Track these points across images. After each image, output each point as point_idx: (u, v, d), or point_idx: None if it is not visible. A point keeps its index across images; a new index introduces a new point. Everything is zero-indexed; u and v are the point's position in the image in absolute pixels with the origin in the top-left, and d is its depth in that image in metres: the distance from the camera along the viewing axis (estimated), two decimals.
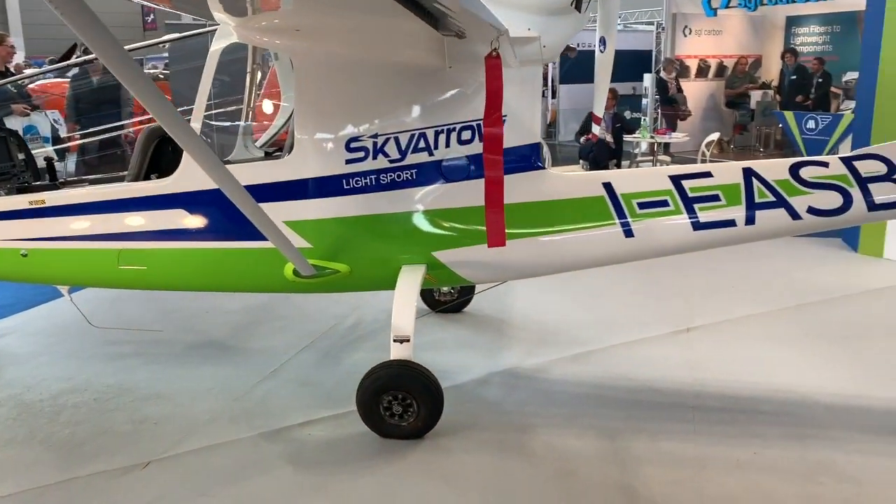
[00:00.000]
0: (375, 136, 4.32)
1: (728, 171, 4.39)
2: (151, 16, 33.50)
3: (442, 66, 4.23)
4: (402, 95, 4.36)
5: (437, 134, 4.38)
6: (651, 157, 11.41)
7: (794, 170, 4.33)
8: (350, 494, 3.48)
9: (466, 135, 4.41)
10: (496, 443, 3.92)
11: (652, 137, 10.68)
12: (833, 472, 3.59)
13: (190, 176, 4.39)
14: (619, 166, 11.32)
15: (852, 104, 14.81)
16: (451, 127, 4.39)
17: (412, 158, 4.38)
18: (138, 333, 5.47)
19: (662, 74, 15.09)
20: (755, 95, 16.02)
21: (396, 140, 4.34)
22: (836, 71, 14.95)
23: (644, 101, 16.18)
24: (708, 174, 4.41)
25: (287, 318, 5.86)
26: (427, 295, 5.96)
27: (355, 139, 4.32)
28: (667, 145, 11.92)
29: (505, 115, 4.36)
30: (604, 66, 5.60)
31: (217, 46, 4.41)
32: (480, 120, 4.35)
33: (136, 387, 4.65)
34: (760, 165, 4.38)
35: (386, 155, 4.34)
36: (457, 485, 3.53)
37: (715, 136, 10.98)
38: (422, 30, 4.08)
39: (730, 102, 16.49)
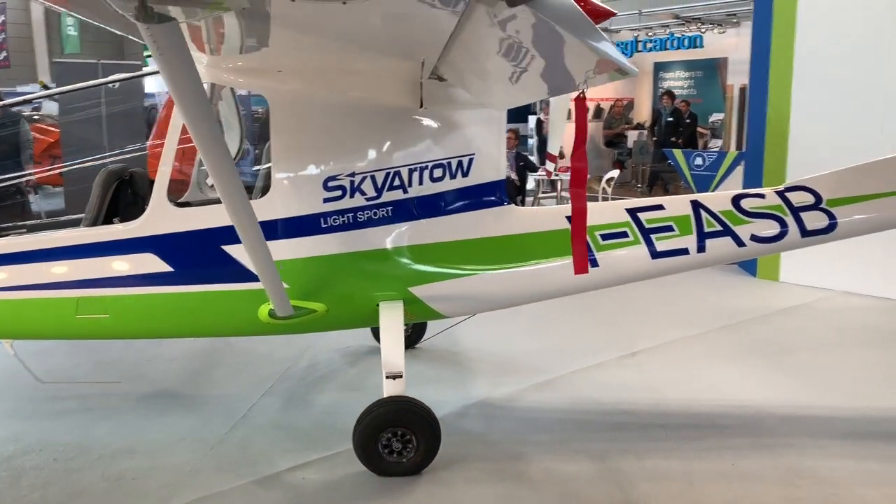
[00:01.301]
0: (353, 174, 4.36)
1: (678, 204, 4.73)
2: (4, 53, 31.46)
3: (415, 107, 4.34)
4: (378, 134, 4.43)
5: (410, 172, 4.47)
6: (554, 195, 11.91)
7: (736, 201, 4.74)
8: None
9: (438, 172, 4.53)
10: (494, 472, 3.99)
11: (556, 175, 11.19)
12: (808, 475, 3.91)
13: (160, 219, 4.25)
14: (523, 203, 11.74)
15: (719, 142, 16.25)
16: (424, 165, 4.49)
17: (387, 196, 4.44)
18: (81, 387, 5.14)
19: (541, 116, 15.84)
20: (632, 135, 17.14)
21: (373, 178, 4.40)
22: (700, 112, 16.31)
23: (530, 141, 16.90)
24: (661, 207, 4.74)
25: (237, 363, 5.68)
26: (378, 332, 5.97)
27: (333, 178, 4.34)
28: (553, 182, 12.43)
29: (473, 154, 4.57)
30: (558, 107, 5.90)
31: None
32: (451, 158, 4.53)
33: (97, 443, 4.36)
34: (706, 198, 4.76)
35: (363, 193, 4.39)
36: None
37: (614, 173, 11.65)
38: (400, 71, 4.22)
39: (608, 142, 17.56)
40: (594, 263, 4.61)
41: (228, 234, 4.26)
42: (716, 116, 16.29)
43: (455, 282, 4.55)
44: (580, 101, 2.89)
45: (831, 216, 4.63)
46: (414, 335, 5.99)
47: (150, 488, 3.85)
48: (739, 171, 9.69)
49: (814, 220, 4.65)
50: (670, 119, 15.20)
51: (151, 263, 4.28)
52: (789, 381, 5.23)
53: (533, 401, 4.96)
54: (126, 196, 4.64)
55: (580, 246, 3.55)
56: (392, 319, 4.32)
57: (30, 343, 4.86)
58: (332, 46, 3.89)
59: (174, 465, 4.09)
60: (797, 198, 4.70)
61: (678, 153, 10.57)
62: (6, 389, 5.18)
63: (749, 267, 8.52)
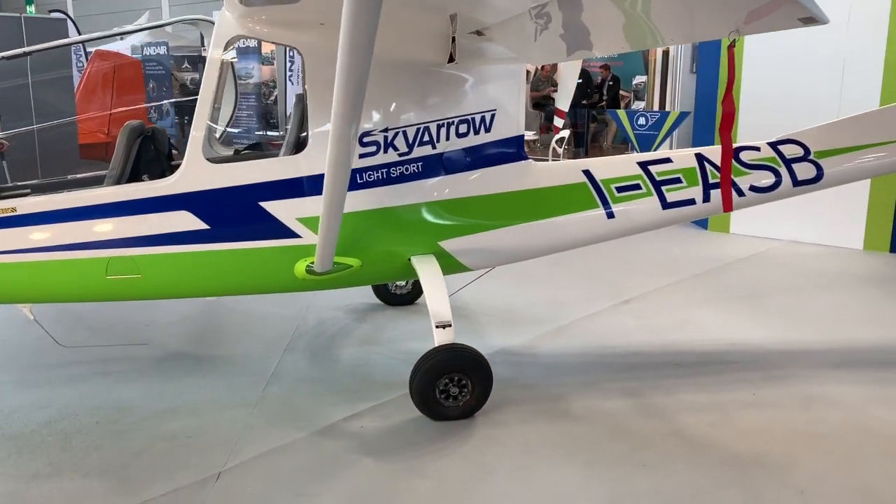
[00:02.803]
0: (386, 130, 4.41)
1: (684, 157, 5.02)
2: None
3: (443, 62, 4.40)
4: (410, 90, 4.48)
5: (438, 127, 4.56)
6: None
7: (735, 153, 5.06)
8: (448, 471, 3.58)
9: (463, 128, 4.63)
10: (542, 412, 4.20)
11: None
12: (821, 400, 4.32)
13: (195, 175, 4.18)
14: None
15: (641, 104, 16.88)
16: (451, 121, 4.58)
17: (418, 151, 4.52)
18: (89, 352, 5.00)
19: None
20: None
21: (405, 134, 4.46)
22: (623, 75, 16.89)
23: None
24: (669, 160, 5.01)
25: (241, 324, 5.64)
26: (381, 289, 6.06)
27: (368, 133, 4.37)
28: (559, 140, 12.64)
29: (495, 109, 4.70)
30: (570, 66, 6.05)
31: (217, 53, 4.18)
32: (475, 113, 4.64)
33: (133, 406, 4.29)
34: (709, 151, 5.06)
35: (395, 149, 4.45)
36: (538, 451, 3.77)
37: (566, 133, 11.94)
38: (431, 26, 4.27)
39: (535, 104, 17.92)
40: (610, 216, 4.86)
41: (266, 190, 4.27)
42: (639, 79, 16.88)
43: (481, 235, 4.69)
44: (732, 50, 3.06)
45: (818, 167, 5.02)
46: (413, 293, 6.10)
47: (211, 444, 3.84)
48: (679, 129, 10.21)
49: (804, 170, 5.02)
50: (580, 80, 15.70)
51: (186, 221, 4.21)
52: (772, 321, 5.68)
53: (550, 347, 5.19)
54: (149, 153, 4.51)
55: (727, 185, 3.74)
56: (430, 271, 4.42)
57: (9, 309, 4.67)
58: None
59: (225, 422, 4.08)
60: (788, 150, 5.06)
61: (622, 114, 10.97)
62: (11, 357, 4.96)
63: (701, 221, 9.02)
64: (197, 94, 4.21)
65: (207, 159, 4.19)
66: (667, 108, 15.27)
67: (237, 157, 4.83)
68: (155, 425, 4.06)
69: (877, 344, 5.21)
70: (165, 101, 13.48)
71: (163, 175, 4.51)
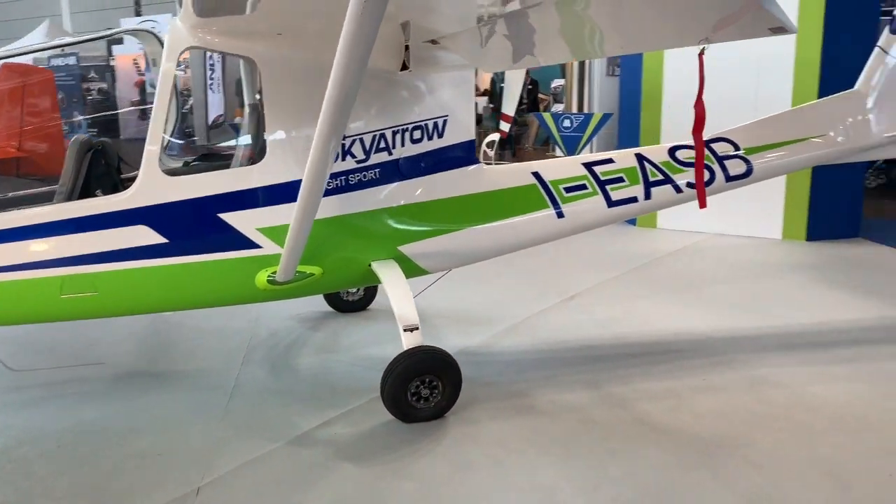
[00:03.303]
0: (343, 137, 4.44)
1: (625, 157, 5.25)
2: None
3: (397, 70, 4.48)
4: (366, 98, 4.53)
5: (394, 134, 4.63)
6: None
7: (672, 152, 5.33)
8: (429, 471, 3.64)
9: (417, 134, 4.73)
10: (509, 409, 4.31)
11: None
12: (766, 382, 4.60)
13: (152, 189, 4.11)
14: None
15: (560, 106, 17.36)
16: (405, 127, 4.67)
17: (375, 158, 4.59)
18: (40, 375, 4.82)
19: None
20: (480, 102, 17.84)
21: (361, 141, 4.52)
22: (541, 79, 17.32)
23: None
24: (610, 160, 5.23)
25: (191, 339, 5.54)
26: (333, 297, 6.07)
27: None
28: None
29: (447, 115, 4.81)
30: (515, 71, 6.20)
31: (170, 64, 4.12)
32: (428, 119, 4.74)
33: (94, 427, 4.17)
34: (647, 151, 5.31)
35: (353, 156, 4.50)
36: (512, 445, 3.88)
37: (496, 136, 12.15)
38: (385, 33, 4.34)
39: None
40: (560, 215, 5.04)
41: (226, 201, 4.26)
42: (557, 82, 17.35)
43: (439, 239, 4.79)
44: (701, 57, 3.23)
45: (748, 163, 5.33)
46: (365, 298, 6.14)
47: (184, 460, 3.78)
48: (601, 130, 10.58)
49: (735, 166, 5.33)
50: (502, 85, 16.05)
51: (144, 235, 4.14)
52: (710, 309, 5.99)
53: (506, 345, 5.33)
54: (99, 167, 4.40)
55: (701, 185, 3.91)
56: (393, 276, 4.48)
57: None
58: (330, 8, 3.95)
59: (194, 437, 4.03)
60: (720, 148, 5.37)
61: (547, 116, 11.27)
62: None
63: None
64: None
65: (164, 171, 4.13)
66: (585, 111, 15.83)
67: (195, 168, 4.76)
68: (121, 445, 3.96)
69: (807, 327, 5.57)
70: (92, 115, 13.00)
71: (115, 189, 4.43)
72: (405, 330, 4.19)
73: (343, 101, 3.11)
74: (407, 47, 4.38)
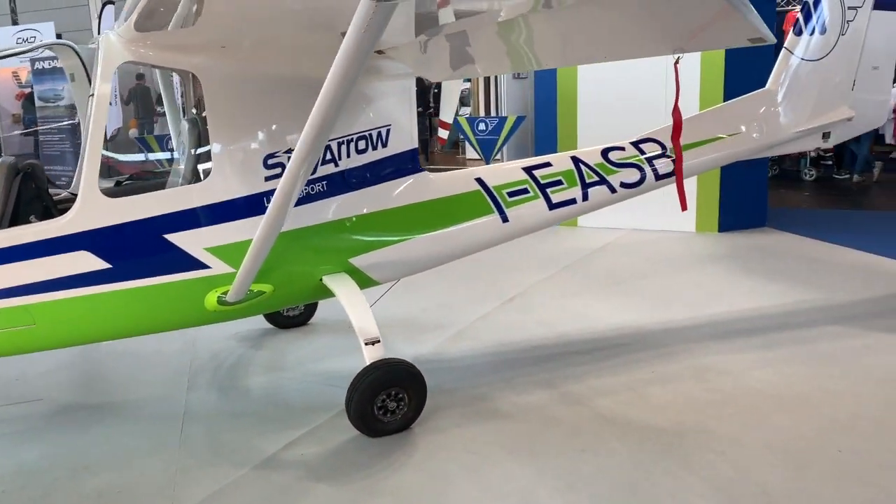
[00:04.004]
0: (290, 150, 4.36)
1: (562, 160, 5.38)
2: None
3: None
4: (310, 109, 4.45)
5: (339, 145, 4.59)
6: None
7: (605, 154, 5.50)
8: (405, 485, 3.61)
9: (362, 144, 4.70)
10: (473, 414, 4.34)
11: None
12: (710, 370, 4.82)
13: (93, 212, 3.91)
14: None
15: (467, 110, 17.57)
16: (350, 138, 4.63)
17: (322, 171, 4.53)
18: None
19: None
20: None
21: None
22: None
23: None
24: (548, 164, 5.35)
25: (127, 366, 5.28)
26: (272, 314, 5.92)
27: (272, 156, 4.32)
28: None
29: (389, 124, 4.80)
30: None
31: (106, 80, 3.92)
32: (372, 129, 4.72)
33: (40, 467, 3.91)
34: (582, 153, 5.46)
35: None
36: (482, 451, 3.90)
37: None
38: (325, 44, 4.29)
39: None
40: (505, 219, 5.11)
41: (171, 222, 4.11)
42: (463, 86, 17.52)
43: (389, 249, 4.76)
44: (676, 66, 3.32)
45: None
46: (305, 314, 6.03)
47: (147, 495, 3.61)
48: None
49: (663, 165, 5.54)
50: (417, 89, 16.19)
51: (85, 261, 3.93)
52: (644, 303, 6.22)
53: (457, 351, 5.35)
54: (29, 191, 4.13)
55: (682, 189, 3.98)
56: (347, 289, 4.43)
57: None
58: (274, 18, 3.88)
59: (152, 470, 3.85)
60: (648, 148, 5.58)
61: (462, 120, 11.40)
62: None
63: None
64: None
65: (114, 194, 3.94)
66: (493, 114, 16.07)
67: (135, 188, 4.55)
68: (73, 485, 3.74)
69: (737, 315, 5.87)
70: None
71: (48, 214, 4.19)
72: (367, 343, 4.15)
73: (327, 122, 3.04)
74: None
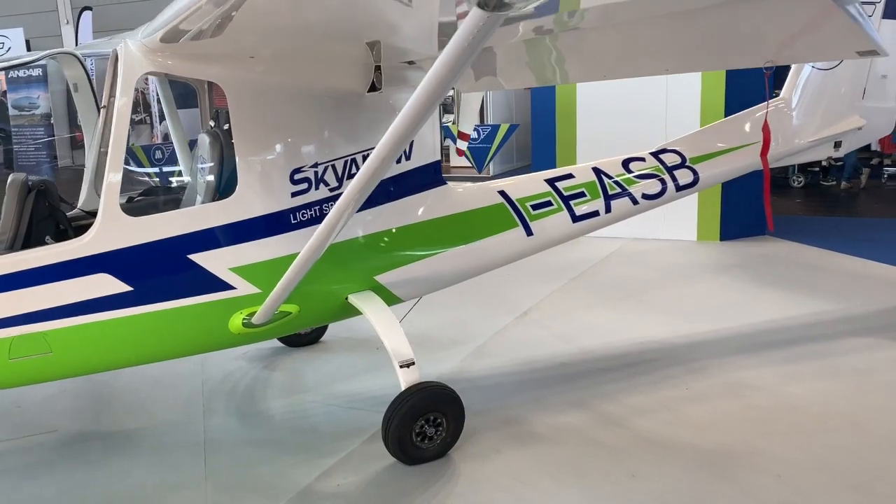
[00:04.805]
0: (316, 164, 4.20)
1: (584, 172, 5.27)
2: None
3: (364, 91, 4.27)
4: (336, 121, 4.29)
5: (364, 158, 4.39)
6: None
7: (626, 165, 5.40)
8: None
9: None
10: (511, 438, 4.17)
11: None
12: (745, 385, 4.72)
13: (114, 232, 3.68)
14: None
15: (451, 117, 17.45)
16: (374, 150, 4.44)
17: (347, 185, 4.32)
18: None
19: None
20: None
21: (333, 167, 4.28)
22: None
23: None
24: (571, 176, 5.24)
25: (135, 391, 5.02)
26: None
27: (298, 170, 4.13)
28: None
29: (412, 137, 4.62)
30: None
31: (127, 93, 3.68)
32: None
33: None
34: (603, 164, 5.35)
35: (326, 184, 4.25)
36: (528, 479, 3.74)
37: None
38: (353, 55, 4.13)
39: None
40: (529, 233, 4.98)
41: (196, 241, 3.89)
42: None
43: (415, 265, 4.60)
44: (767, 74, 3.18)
45: (695, 172, 5.48)
46: (317, 331, 5.82)
47: None
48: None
49: (683, 176, 5.46)
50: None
51: (106, 284, 3.69)
52: (660, 315, 6.12)
53: (481, 369, 5.19)
54: (42, 210, 3.88)
55: (769, 206, 3.84)
56: (376, 309, 4.25)
57: None
58: (304, 28, 3.70)
59: None
60: (668, 158, 5.49)
61: (454, 128, 11.25)
62: None
63: None
64: None
65: (135, 212, 3.71)
66: (480, 122, 15.92)
67: (154, 205, 4.32)
68: None
69: (759, 327, 5.78)
70: None
71: (62, 234, 3.95)
72: (402, 366, 3.96)
73: (409, 133, 2.82)
74: (378, 68, 4.19)
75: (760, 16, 2.66)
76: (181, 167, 5.34)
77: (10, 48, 19.55)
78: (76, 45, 13.27)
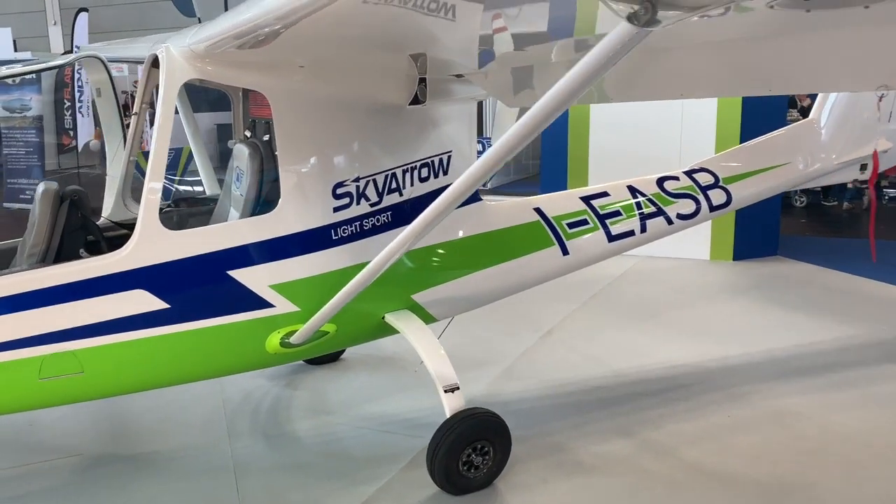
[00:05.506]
0: (357, 179, 4.03)
1: (619, 190, 5.13)
2: None
3: (405, 104, 4.11)
4: (378, 135, 4.14)
5: (403, 173, 4.26)
6: None
7: (660, 183, 5.28)
8: None
9: (425, 172, 4.37)
10: (555, 467, 4.01)
11: None
12: (789, 414, 4.59)
13: (153, 246, 3.49)
14: None
15: None
16: (413, 165, 4.31)
17: (387, 200, 4.19)
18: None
19: None
20: None
21: (374, 182, 4.11)
22: None
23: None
24: (606, 194, 5.10)
25: (151, 410, 4.77)
26: None
27: (340, 184, 3.96)
28: None
29: (451, 150, 4.48)
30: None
31: (171, 101, 3.49)
32: (434, 156, 4.38)
33: None
34: (638, 182, 5.23)
35: (367, 199, 4.09)
36: None
37: None
38: (396, 66, 3.97)
39: None
40: (565, 252, 4.83)
41: (236, 257, 3.71)
42: None
43: (452, 284, 4.45)
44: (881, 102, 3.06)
45: (728, 192, 5.37)
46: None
47: None
48: None
49: (717, 196, 5.34)
50: None
51: (141, 301, 3.50)
52: (688, 337, 5.99)
53: (512, 393, 5.02)
54: (74, 221, 3.68)
55: (873, 236, 3.70)
56: (416, 329, 4.09)
57: None
58: (353, 39, 3.54)
59: None
60: (702, 178, 5.37)
61: None
62: None
63: None
64: None
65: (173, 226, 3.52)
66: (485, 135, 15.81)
67: (190, 218, 4.14)
68: None
69: (790, 351, 5.67)
70: None
71: (95, 246, 3.75)
72: (446, 391, 3.79)
73: (520, 143, 2.59)
74: (422, 80, 4.03)
75: (888, 36, 2.55)
76: (205, 177, 5.15)
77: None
78: (73, 46, 12.96)
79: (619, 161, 8.46)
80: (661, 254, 8.73)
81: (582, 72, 2.09)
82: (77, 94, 12.39)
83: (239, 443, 4.34)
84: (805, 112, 12.01)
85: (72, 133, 14.70)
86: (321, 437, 4.43)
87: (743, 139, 8.00)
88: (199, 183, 5.31)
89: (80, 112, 12.42)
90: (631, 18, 1.77)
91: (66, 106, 14.38)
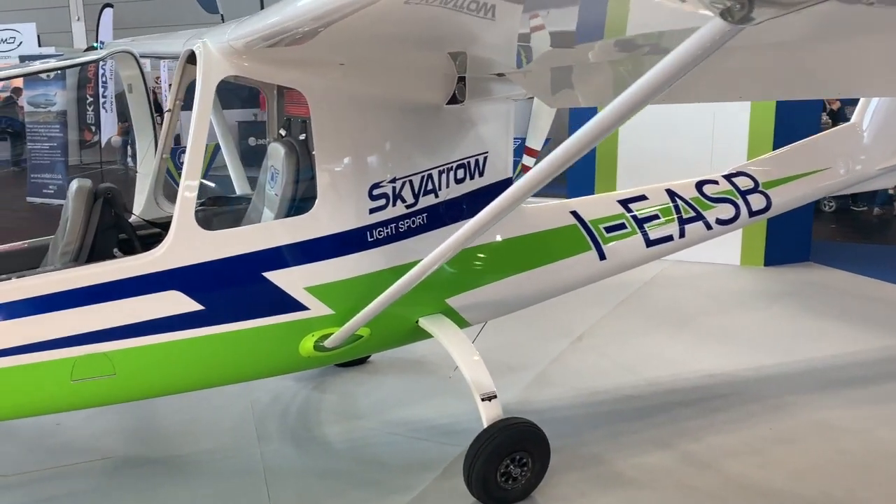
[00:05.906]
0: (394, 180, 3.94)
1: (657, 194, 5.00)
2: None
3: (442, 103, 4.01)
4: (415, 135, 4.05)
5: (440, 174, 4.16)
6: None
7: (699, 188, 5.15)
8: None
9: (461, 173, 4.28)
10: (593, 479, 3.90)
11: None
12: (831, 428, 4.45)
13: (188, 247, 3.41)
14: None
15: None
16: (450, 166, 4.21)
17: (423, 202, 4.10)
18: (24, 476, 3.92)
19: None
20: None
21: (411, 183, 4.02)
22: None
23: None
24: (644, 197, 4.98)
25: (179, 412, 4.69)
26: None
27: (377, 185, 3.87)
28: None
29: (486, 152, 4.38)
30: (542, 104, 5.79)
31: (208, 98, 3.41)
32: (470, 157, 4.29)
33: None
34: (677, 186, 5.10)
35: (403, 200, 4.00)
36: None
37: None
38: (435, 65, 3.88)
39: None
40: (602, 256, 4.71)
41: (272, 258, 3.62)
42: None
43: (486, 288, 4.36)
44: None
45: (767, 197, 5.23)
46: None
47: None
48: None
49: (756, 201, 5.21)
50: None
51: (175, 303, 3.43)
52: (721, 345, 5.84)
53: (544, 401, 4.91)
54: (108, 219, 3.61)
55: None
56: (451, 334, 4.00)
57: None
58: (398, 37, 3.44)
59: None
60: (742, 182, 5.24)
61: None
62: None
63: None
64: None
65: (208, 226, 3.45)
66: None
67: (225, 217, 4.07)
68: None
69: (828, 362, 5.51)
70: None
71: (128, 245, 3.68)
72: (483, 399, 3.69)
73: (597, 138, 2.44)
74: (462, 79, 3.94)
75: None
76: (235, 175, 5.08)
77: (21, 42, 19.29)
78: (97, 41, 12.98)
79: (648, 164, 8.35)
80: (692, 258, 8.52)
81: (665, 70, 1.98)
82: (101, 90, 12.37)
83: (269, 446, 4.26)
84: (834, 115, 11.84)
85: (94, 128, 14.75)
86: (351, 443, 4.34)
87: (776, 142, 7.87)
88: (225, 180, 5.24)
89: (103, 107, 12.42)
90: (724, 14, 1.66)
91: (88, 101, 14.44)
